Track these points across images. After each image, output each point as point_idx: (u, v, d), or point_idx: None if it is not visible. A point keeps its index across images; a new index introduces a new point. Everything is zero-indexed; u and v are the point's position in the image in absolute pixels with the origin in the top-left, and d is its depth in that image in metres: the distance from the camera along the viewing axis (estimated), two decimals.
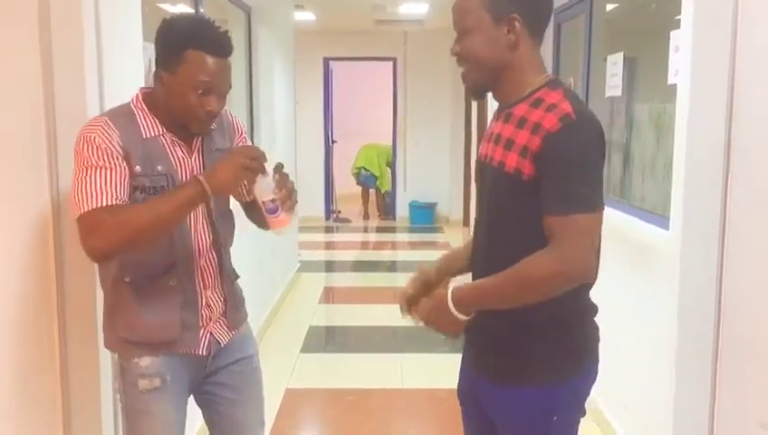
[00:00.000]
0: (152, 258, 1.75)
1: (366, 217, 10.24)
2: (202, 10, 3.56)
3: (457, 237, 8.32)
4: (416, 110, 9.66)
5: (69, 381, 2.06)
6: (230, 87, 1.76)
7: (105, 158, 1.63)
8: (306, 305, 5.69)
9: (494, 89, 1.62)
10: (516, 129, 1.52)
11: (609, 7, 3.72)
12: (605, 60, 3.45)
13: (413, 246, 8.61)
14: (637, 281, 2.99)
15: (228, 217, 1.93)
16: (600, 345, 1.65)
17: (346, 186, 10.39)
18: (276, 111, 5.40)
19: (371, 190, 10.28)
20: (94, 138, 1.64)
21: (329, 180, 9.97)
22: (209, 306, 1.86)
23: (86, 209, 1.59)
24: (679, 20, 2.40)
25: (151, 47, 1.79)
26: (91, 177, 1.61)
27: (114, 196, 1.61)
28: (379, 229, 9.74)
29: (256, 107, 4.86)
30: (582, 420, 1.65)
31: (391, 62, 9.68)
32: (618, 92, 3.32)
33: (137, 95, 1.77)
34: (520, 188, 1.50)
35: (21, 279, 1.89)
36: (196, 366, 1.87)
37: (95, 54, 2.05)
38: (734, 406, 2.28)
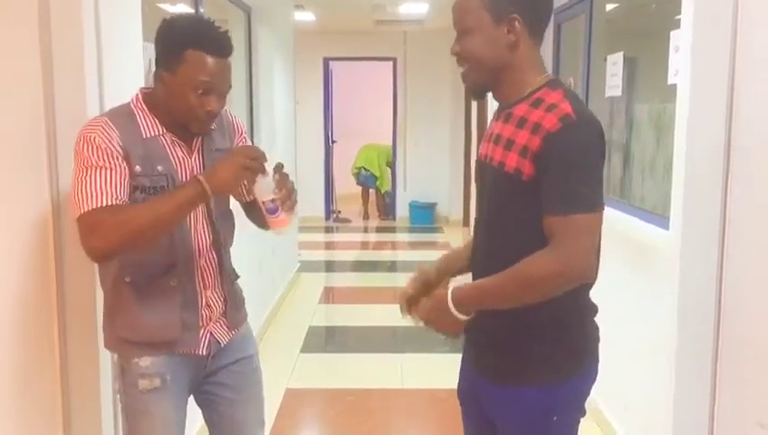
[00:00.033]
0: (152, 258, 1.75)
1: (366, 217, 10.24)
2: (202, 10, 3.56)
3: (457, 237, 8.32)
4: (416, 110, 9.66)
5: (69, 381, 2.06)
6: (230, 87, 1.76)
7: (105, 158, 1.63)
8: (306, 305, 5.69)
9: (493, 89, 1.62)
10: (516, 129, 1.52)
11: (609, 7, 3.72)
12: (605, 60, 3.45)
13: (413, 246, 8.61)
14: (637, 281, 2.99)
15: (228, 217, 1.93)
16: (601, 345, 1.65)
17: (346, 186, 10.39)
18: (276, 111, 5.40)
19: (371, 190, 10.28)
20: (94, 138, 1.64)
21: (329, 180, 9.97)
22: (209, 306, 1.86)
23: (86, 209, 1.59)
24: (679, 20, 2.40)
25: (151, 47, 1.79)
26: (91, 177, 1.61)
27: (114, 196, 1.61)
28: (379, 229, 9.74)
29: (256, 107, 4.86)
30: (582, 420, 1.65)
31: (391, 63, 9.68)
32: (618, 92, 3.32)
33: (137, 95, 1.77)
34: (520, 188, 1.50)
35: (21, 279, 1.89)
36: (196, 366, 1.87)
37: (95, 54, 2.05)
38: (734, 406, 2.28)
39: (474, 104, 7.94)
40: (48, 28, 1.94)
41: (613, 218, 3.03)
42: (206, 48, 1.66)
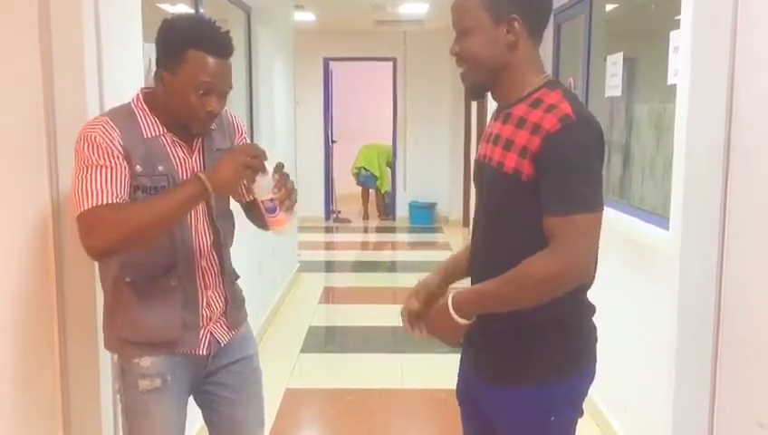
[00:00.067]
0: (153, 258, 1.75)
1: (366, 217, 10.24)
2: (202, 10, 3.56)
3: (457, 238, 8.32)
4: (415, 110, 9.66)
5: (69, 382, 2.06)
6: (231, 87, 1.76)
7: (106, 157, 1.63)
8: (306, 305, 5.69)
9: (493, 89, 1.62)
10: (515, 129, 1.52)
11: (609, 7, 3.72)
12: (605, 60, 3.45)
13: (413, 246, 8.61)
14: (637, 281, 2.99)
15: (228, 216, 1.94)
16: (600, 345, 1.65)
17: (346, 186, 10.39)
18: (276, 111, 5.40)
19: (371, 190, 10.28)
20: (95, 137, 1.64)
21: (329, 180, 9.97)
22: (210, 306, 1.86)
23: (86, 207, 1.59)
24: (679, 20, 2.40)
25: (151, 47, 1.79)
26: (91, 175, 1.61)
27: (114, 194, 1.61)
28: (379, 229, 9.74)
29: (256, 107, 4.86)
30: (582, 419, 1.65)
31: (391, 63, 9.69)
32: (617, 93, 3.33)
33: (137, 95, 1.78)
34: (519, 189, 1.50)
35: (21, 279, 1.89)
36: (196, 366, 1.87)
37: (95, 54, 2.05)
38: (734, 406, 2.28)
39: (474, 104, 7.94)
40: (48, 28, 1.94)
41: (613, 219, 3.03)
42: (206, 48, 1.66)
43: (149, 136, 1.72)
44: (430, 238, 8.73)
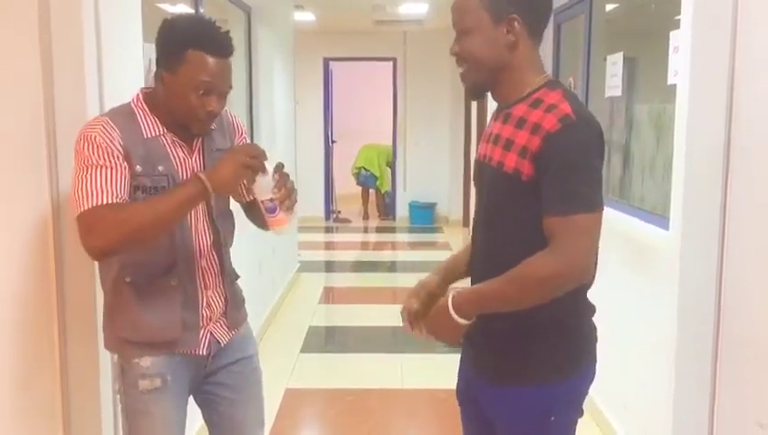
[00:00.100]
0: (153, 258, 1.75)
1: (366, 217, 10.24)
2: (202, 10, 3.56)
3: (457, 238, 8.32)
4: (415, 110, 9.66)
5: (69, 382, 2.06)
6: (231, 87, 1.76)
7: (106, 157, 1.63)
8: (306, 305, 5.69)
9: (492, 89, 1.62)
10: (515, 129, 1.52)
11: (609, 7, 3.72)
12: (605, 60, 3.45)
13: (413, 246, 8.61)
14: (637, 281, 2.99)
15: (228, 216, 1.94)
16: (600, 345, 1.65)
17: (346, 186, 10.39)
18: (276, 111, 5.40)
19: (371, 190, 10.28)
20: (95, 137, 1.64)
21: (329, 180, 9.97)
22: (210, 306, 1.86)
23: (86, 207, 1.59)
24: (679, 20, 2.40)
25: (151, 47, 1.79)
26: (91, 175, 1.61)
27: (114, 194, 1.61)
28: (379, 229, 9.74)
29: (256, 107, 4.86)
30: (582, 419, 1.65)
31: (391, 63, 9.69)
32: (617, 92, 3.32)
33: (137, 95, 1.77)
34: (519, 189, 1.50)
35: (21, 279, 1.89)
36: (196, 366, 1.87)
37: (95, 54, 2.05)
38: (734, 406, 2.28)
39: (473, 104, 7.94)
40: (48, 28, 1.94)
41: (613, 219, 3.03)
42: (206, 48, 1.66)
43: (149, 136, 1.72)
44: (430, 238, 8.73)
